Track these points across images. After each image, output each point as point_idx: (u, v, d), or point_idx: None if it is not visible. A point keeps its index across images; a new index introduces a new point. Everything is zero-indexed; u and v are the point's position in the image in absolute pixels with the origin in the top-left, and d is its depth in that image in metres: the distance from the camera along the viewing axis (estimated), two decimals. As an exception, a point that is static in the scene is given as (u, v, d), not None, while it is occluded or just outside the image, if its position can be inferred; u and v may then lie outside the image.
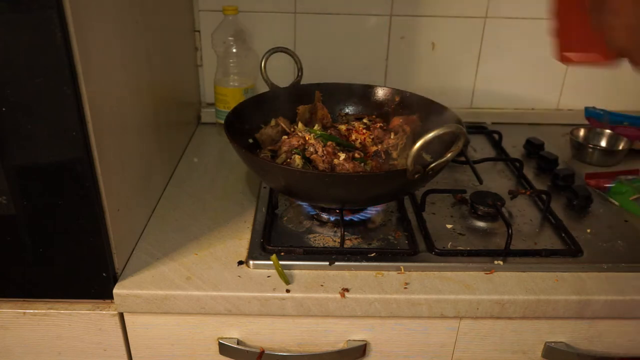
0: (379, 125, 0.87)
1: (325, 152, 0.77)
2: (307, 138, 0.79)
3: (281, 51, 0.91)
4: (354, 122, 0.89)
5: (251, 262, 0.71)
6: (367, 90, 0.95)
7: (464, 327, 0.72)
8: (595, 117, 1.13)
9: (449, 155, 0.66)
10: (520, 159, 0.96)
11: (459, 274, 0.71)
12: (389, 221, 0.81)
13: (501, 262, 0.73)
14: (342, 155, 0.77)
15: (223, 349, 0.72)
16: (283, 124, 0.87)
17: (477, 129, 1.15)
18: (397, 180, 0.69)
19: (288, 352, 0.73)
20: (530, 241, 0.78)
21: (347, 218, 0.78)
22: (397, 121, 0.88)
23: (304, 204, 0.82)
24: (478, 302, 0.68)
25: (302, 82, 0.95)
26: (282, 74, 1.08)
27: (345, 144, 0.82)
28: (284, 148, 0.80)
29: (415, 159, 0.64)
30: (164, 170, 0.91)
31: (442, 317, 0.70)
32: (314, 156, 0.77)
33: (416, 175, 0.67)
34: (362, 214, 0.81)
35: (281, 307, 0.68)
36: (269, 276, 0.70)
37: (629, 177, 0.93)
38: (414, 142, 0.64)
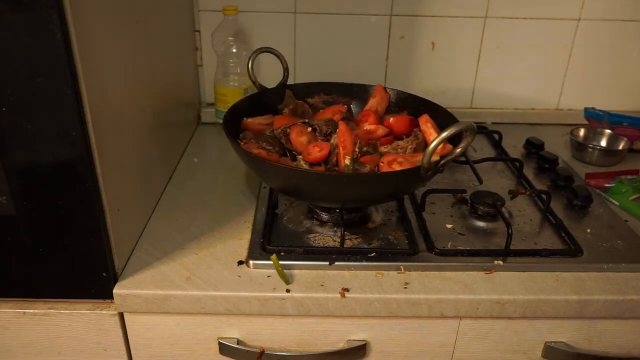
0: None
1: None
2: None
3: (267, 51, 0.89)
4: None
5: (251, 262, 0.71)
6: (365, 90, 0.95)
7: (464, 327, 0.72)
8: (595, 118, 1.13)
9: (459, 150, 0.66)
10: (520, 159, 0.96)
11: (459, 274, 0.71)
12: (389, 221, 0.81)
13: (501, 262, 0.73)
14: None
15: (223, 348, 0.72)
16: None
17: (477, 129, 1.14)
18: (410, 178, 0.69)
19: (288, 352, 0.73)
20: (530, 241, 0.78)
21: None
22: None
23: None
24: (478, 302, 0.68)
25: (303, 82, 0.94)
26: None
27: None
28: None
29: (430, 157, 0.64)
30: (164, 170, 0.91)
31: (442, 317, 0.70)
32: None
33: (429, 172, 0.67)
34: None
35: (281, 307, 0.68)
36: (269, 276, 0.70)
37: (629, 177, 0.93)
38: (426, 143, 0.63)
